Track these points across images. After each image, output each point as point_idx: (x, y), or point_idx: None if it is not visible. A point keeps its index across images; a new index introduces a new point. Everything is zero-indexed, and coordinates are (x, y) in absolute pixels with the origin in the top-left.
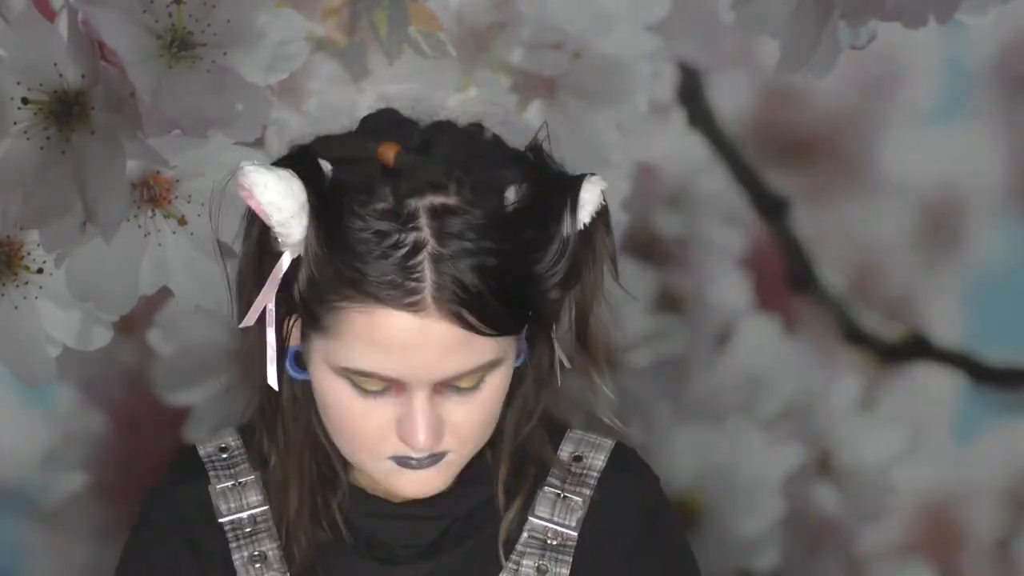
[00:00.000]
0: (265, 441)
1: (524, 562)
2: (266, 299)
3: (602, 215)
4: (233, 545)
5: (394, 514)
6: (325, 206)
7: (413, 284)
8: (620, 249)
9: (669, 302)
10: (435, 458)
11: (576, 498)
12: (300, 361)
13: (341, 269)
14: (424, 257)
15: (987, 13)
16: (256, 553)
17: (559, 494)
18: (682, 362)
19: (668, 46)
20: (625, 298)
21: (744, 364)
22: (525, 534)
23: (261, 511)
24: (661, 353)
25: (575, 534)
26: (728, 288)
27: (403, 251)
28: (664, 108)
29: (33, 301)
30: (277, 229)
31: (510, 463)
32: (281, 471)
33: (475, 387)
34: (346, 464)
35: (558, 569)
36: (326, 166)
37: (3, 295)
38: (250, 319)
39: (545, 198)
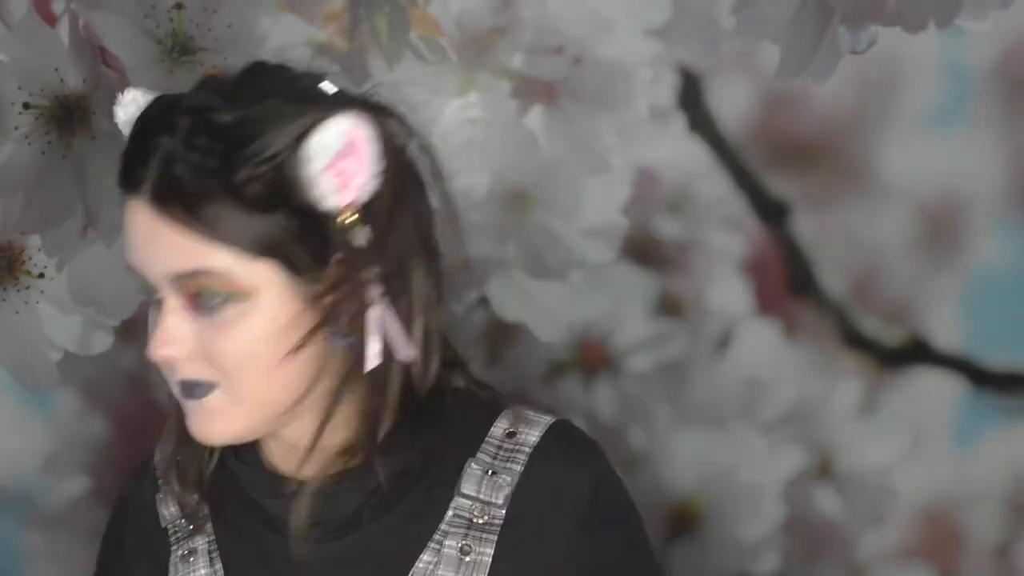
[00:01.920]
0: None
1: (447, 542)
2: None
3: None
4: (174, 548)
5: (299, 491)
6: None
7: (129, 175)
8: (621, 253)
9: (669, 306)
10: (203, 387)
11: (504, 475)
12: None
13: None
14: (155, 156)
15: (987, 18)
16: (185, 551)
17: (487, 471)
18: (682, 366)
19: (668, 51)
20: (625, 302)
21: (744, 368)
22: (451, 512)
23: (199, 508)
24: (661, 357)
25: (502, 512)
26: (728, 292)
27: (132, 151)
28: (664, 113)
29: (34, 306)
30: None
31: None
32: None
33: (215, 308)
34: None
35: (481, 548)
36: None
37: (4, 300)
38: None
39: (267, 137)
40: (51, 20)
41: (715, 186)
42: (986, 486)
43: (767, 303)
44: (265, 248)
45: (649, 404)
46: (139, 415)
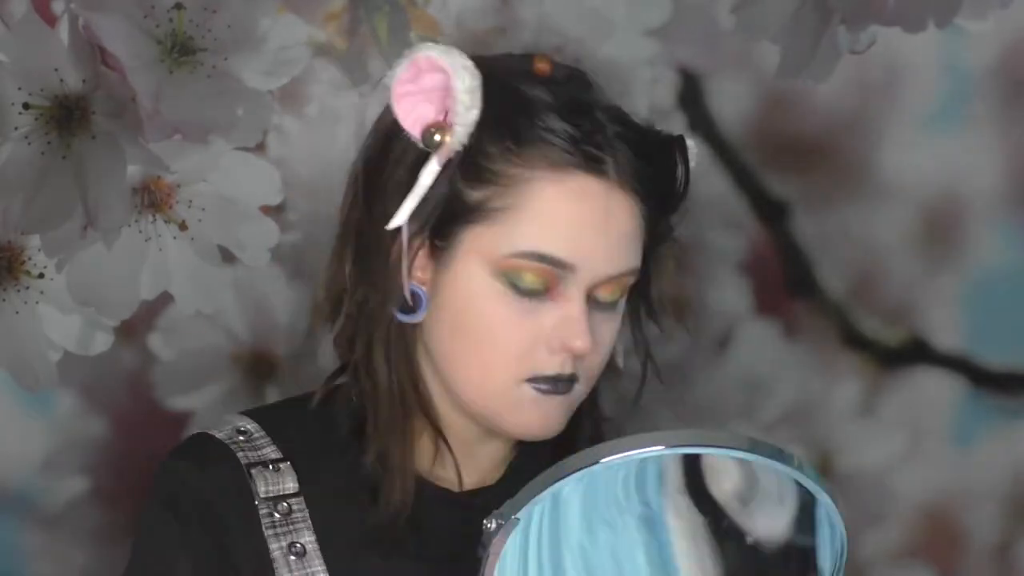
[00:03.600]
0: (362, 385)
1: None
2: (418, 195)
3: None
4: (269, 532)
5: (452, 501)
6: (498, 89)
7: (599, 153)
8: None
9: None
10: (569, 383)
11: None
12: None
13: (529, 137)
14: (603, 136)
15: (986, 18)
16: (297, 544)
17: None
18: (682, 367)
19: (668, 51)
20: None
21: (744, 368)
22: None
23: (296, 500)
24: (661, 357)
25: None
26: (728, 292)
27: (585, 128)
28: (664, 113)
29: (34, 306)
30: (460, 100)
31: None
32: (383, 423)
33: (614, 304)
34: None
35: None
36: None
37: (4, 300)
38: (400, 217)
39: (663, 137)
40: (51, 20)
41: (715, 186)
42: (985, 486)
43: (766, 303)
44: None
45: (649, 404)
46: (138, 415)
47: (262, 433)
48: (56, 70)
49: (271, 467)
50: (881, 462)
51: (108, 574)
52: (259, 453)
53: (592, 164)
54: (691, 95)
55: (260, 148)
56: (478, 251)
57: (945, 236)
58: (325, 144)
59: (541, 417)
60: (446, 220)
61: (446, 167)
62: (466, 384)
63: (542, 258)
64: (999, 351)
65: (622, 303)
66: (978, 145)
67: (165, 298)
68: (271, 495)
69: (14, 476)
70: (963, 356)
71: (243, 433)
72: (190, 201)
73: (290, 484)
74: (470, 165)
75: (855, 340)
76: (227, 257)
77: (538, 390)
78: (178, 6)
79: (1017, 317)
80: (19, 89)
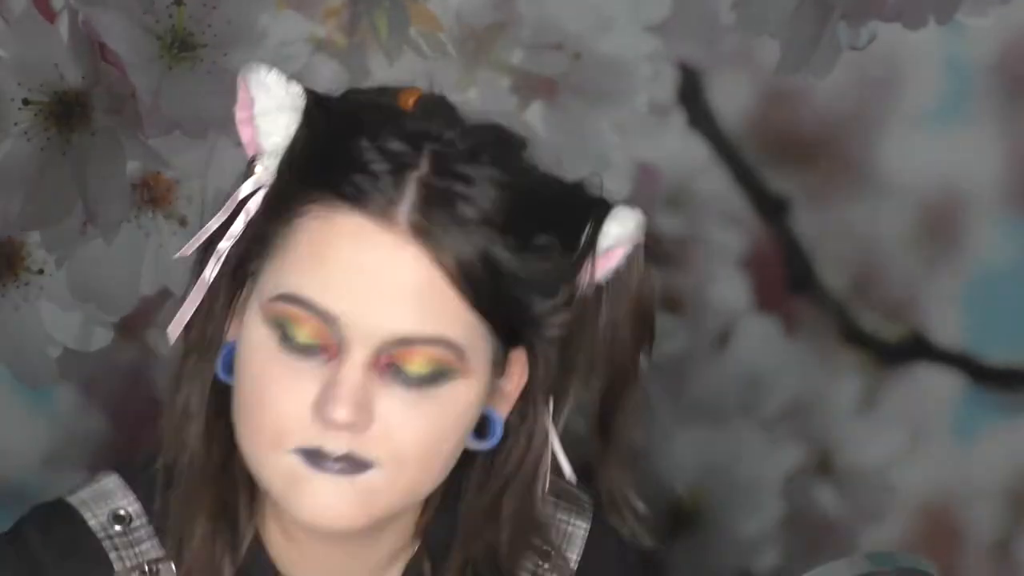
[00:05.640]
0: (169, 455)
1: None
2: (218, 219)
3: (636, 265)
4: None
5: None
6: (323, 117)
7: (391, 193)
8: None
9: (669, 303)
10: (353, 465)
11: None
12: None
13: (314, 164)
14: (412, 178)
15: (987, 14)
16: None
17: None
18: (682, 363)
19: (668, 46)
20: None
21: (744, 365)
22: None
23: None
24: (660, 354)
25: None
26: (728, 289)
27: (389, 165)
28: (664, 108)
29: (34, 302)
30: (258, 120)
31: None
32: (186, 487)
33: (426, 382)
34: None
35: None
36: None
37: (4, 296)
38: (190, 246)
39: (565, 205)
40: (50, 16)
41: (715, 182)
42: (986, 482)
43: (767, 299)
44: (515, 331)
45: (649, 401)
46: (138, 411)
47: (143, 520)
48: (56, 66)
49: (149, 570)
50: (881, 459)
51: None
52: (137, 550)
53: (376, 204)
54: (691, 91)
55: None
56: (257, 295)
57: (945, 232)
58: None
59: (319, 500)
60: (252, 246)
61: (264, 200)
62: (245, 455)
63: (298, 302)
64: (999, 347)
65: (450, 393)
66: (978, 142)
67: (165, 294)
68: None
69: (14, 472)
70: (963, 352)
71: (120, 521)
72: (190, 197)
73: None
74: (277, 197)
75: (855, 336)
76: None
77: (307, 464)
78: (178, 2)
79: (1017, 313)
80: (18, 85)
